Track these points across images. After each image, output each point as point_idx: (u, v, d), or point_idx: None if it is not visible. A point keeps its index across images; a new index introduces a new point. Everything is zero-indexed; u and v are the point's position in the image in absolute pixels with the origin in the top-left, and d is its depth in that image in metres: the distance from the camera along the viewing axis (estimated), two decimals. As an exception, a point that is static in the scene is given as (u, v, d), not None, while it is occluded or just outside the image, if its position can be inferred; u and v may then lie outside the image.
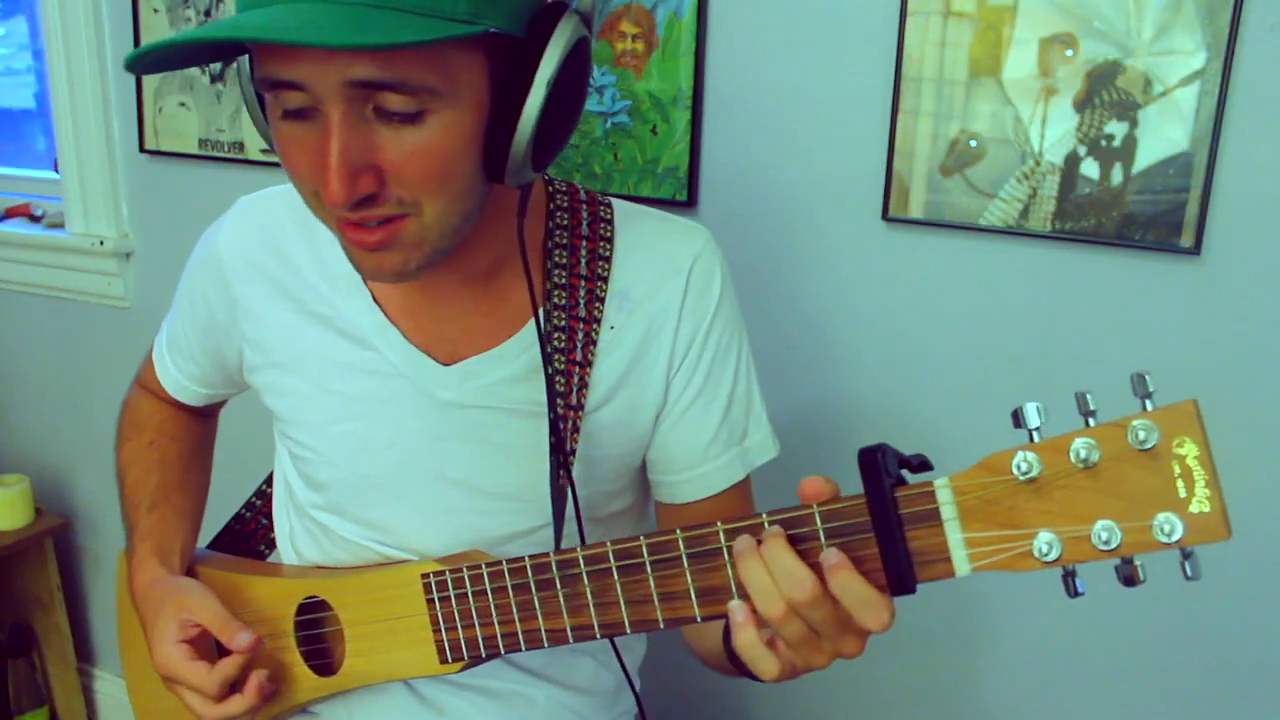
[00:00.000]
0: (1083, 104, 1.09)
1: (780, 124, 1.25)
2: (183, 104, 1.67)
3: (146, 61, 0.67)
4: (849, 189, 1.22)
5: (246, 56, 0.73)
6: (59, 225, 1.87)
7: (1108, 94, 1.07)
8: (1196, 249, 1.07)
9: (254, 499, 1.12)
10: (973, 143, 1.14)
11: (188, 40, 0.65)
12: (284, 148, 0.72)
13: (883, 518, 0.62)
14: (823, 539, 0.65)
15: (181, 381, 1.04)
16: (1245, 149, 1.04)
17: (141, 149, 1.74)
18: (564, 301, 0.85)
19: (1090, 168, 1.09)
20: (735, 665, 0.81)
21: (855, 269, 1.24)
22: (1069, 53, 1.08)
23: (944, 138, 1.15)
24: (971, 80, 1.13)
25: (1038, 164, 1.12)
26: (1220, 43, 1.02)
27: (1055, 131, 1.10)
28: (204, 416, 1.11)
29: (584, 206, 0.88)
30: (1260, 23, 1.01)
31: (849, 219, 1.23)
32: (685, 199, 1.31)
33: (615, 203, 0.90)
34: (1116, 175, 1.09)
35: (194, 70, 1.64)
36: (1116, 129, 1.08)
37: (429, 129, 0.69)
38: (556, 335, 0.85)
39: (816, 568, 0.64)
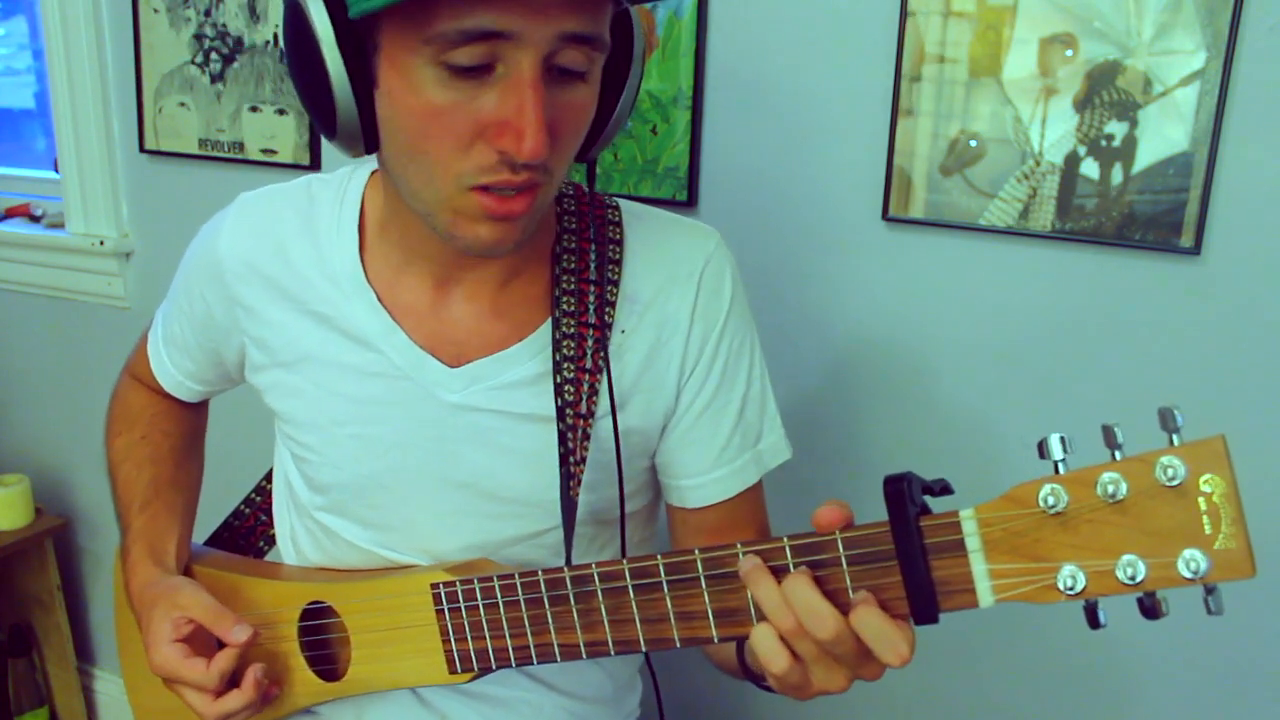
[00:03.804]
0: (1083, 104, 1.09)
1: (780, 124, 1.25)
2: (183, 104, 1.67)
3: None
4: (849, 189, 1.22)
5: (326, 17, 0.68)
6: (59, 225, 1.87)
7: (1108, 94, 1.07)
8: (1196, 249, 1.07)
9: (253, 495, 1.11)
10: (973, 143, 1.14)
11: None
12: (439, 108, 0.69)
13: (907, 547, 0.62)
14: (845, 566, 0.65)
15: (178, 378, 1.03)
16: (1245, 149, 1.04)
17: (141, 149, 1.74)
18: (573, 308, 0.84)
19: (1090, 168, 1.09)
20: (745, 672, 0.80)
21: (855, 269, 1.24)
22: (1069, 53, 1.08)
23: (944, 138, 1.15)
24: (971, 80, 1.13)
25: (1038, 164, 1.11)
26: (1220, 43, 1.02)
27: (1055, 131, 1.10)
28: (196, 407, 1.10)
29: (591, 209, 0.87)
30: (1260, 23, 1.01)
31: (849, 219, 1.23)
32: (685, 199, 1.31)
33: (623, 204, 0.90)
34: (1116, 175, 1.09)
35: (194, 70, 1.64)
36: (1116, 129, 1.08)
37: (587, 88, 0.72)
38: (566, 343, 0.84)
39: (833, 595, 0.64)
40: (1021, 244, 1.15)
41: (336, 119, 0.72)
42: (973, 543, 0.61)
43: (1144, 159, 1.07)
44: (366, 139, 0.74)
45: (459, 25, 0.65)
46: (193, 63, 1.65)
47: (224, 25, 1.60)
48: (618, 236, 0.87)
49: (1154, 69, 1.05)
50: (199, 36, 1.63)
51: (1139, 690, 1.20)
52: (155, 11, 1.66)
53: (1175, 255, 1.08)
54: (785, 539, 0.66)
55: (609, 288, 0.85)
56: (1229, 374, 1.09)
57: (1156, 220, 1.08)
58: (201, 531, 1.09)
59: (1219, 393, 1.10)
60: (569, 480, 0.83)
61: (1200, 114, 1.04)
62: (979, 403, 1.21)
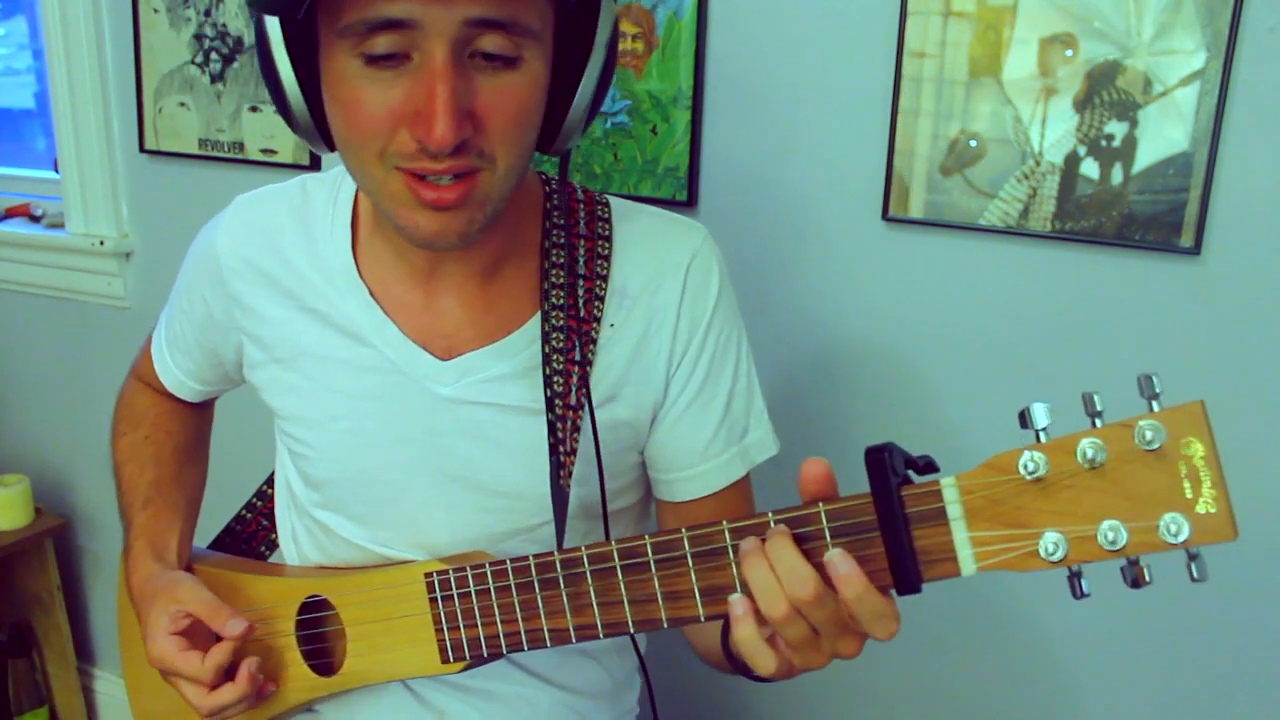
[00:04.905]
0: (1083, 104, 1.09)
1: (780, 124, 1.25)
2: (183, 104, 1.67)
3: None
4: (849, 189, 1.22)
5: (277, 19, 0.71)
6: (59, 225, 1.87)
7: (1108, 94, 1.07)
8: (1196, 249, 1.07)
9: (255, 500, 1.12)
10: (973, 143, 1.14)
11: None
12: (359, 98, 0.71)
13: (889, 516, 0.62)
14: (828, 538, 0.65)
15: (179, 378, 1.04)
16: (1245, 149, 1.04)
17: (141, 149, 1.74)
18: (563, 301, 0.85)
19: (1090, 168, 1.09)
20: (732, 662, 0.81)
21: (855, 269, 1.24)
22: (1069, 53, 1.08)
23: (944, 138, 1.15)
24: (971, 80, 1.13)
25: (1038, 164, 1.12)
26: (1220, 43, 1.02)
27: (1055, 131, 1.10)
28: (200, 408, 1.11)
29: (581, 205, 0.88)
30: (1260, 23, 1.01)
31: (849, 219, 1.23)
32: (685, 199, 1.31)
33: (612, 200, 0.90)
34: (1116, 175, 1.09)
35: (194, 70, 1.65)
36: (1116, 129, 1.08)
37: (522, 75, 0.71)
38: (555, 335, 0.84)
39: (821, 567, 0.64)
40: (1021, 244, 1.15)
41: (294, 117, 0.75)
42: (954, 510, 0.61)
43: (1144, 159, 1.07)
44: (324, 135, 0.76)
45: (363, 16, 0.68)
46: (193, 63, 1.65)
47: (224, 25, 1.61)
48: (607, 232, 0.88)
49: (1154, 69, 1.05)
50: (199, 36, 1.63)
51: (1129, 685, 1.21)
52: (155, 11, 1.66)
53: (1175, 255, 1.08)
54: (770, 514, 0.67)
55: (598, 282, 0.86)
56: (1228, 374, 1.09)
57: (1156, 220, 1.08)
58: (204, 536, 1.09)
59: (1218, 392, 1.09)
60: (559, 470, 0.84)
61: (1200, 114, 1.04)
62: (978, 402, 1.21)
